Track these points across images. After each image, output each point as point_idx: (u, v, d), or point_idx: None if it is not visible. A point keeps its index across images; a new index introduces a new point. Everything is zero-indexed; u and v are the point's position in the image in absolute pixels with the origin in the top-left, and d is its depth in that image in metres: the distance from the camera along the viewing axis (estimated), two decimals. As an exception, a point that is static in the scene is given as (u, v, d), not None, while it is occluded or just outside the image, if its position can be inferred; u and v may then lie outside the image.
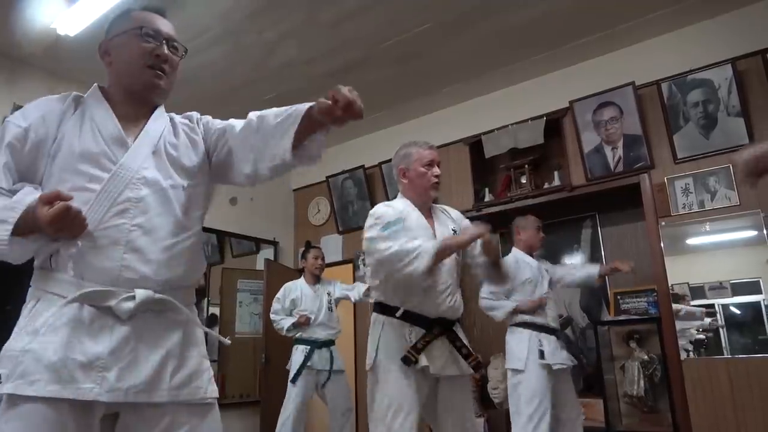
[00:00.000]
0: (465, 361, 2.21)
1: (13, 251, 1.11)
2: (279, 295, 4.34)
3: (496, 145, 4.57)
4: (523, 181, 4.46)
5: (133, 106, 1.35)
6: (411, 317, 2.18)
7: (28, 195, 1.13)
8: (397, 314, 2.19)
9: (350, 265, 5.40)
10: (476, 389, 4.26)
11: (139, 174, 1.24)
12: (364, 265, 5.21)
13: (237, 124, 1.42)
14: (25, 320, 1.15)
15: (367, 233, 2.22)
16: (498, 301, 3.44)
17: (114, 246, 1.17)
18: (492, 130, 4.60)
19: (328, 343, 4.24)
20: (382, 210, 2.27)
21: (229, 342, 1.40)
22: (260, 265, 5.43)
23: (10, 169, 1.20)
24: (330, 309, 4.33)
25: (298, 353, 4.13)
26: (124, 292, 1.16)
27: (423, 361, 2.10)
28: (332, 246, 5.49)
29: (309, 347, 4.14)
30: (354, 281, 5.30)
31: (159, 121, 1.37)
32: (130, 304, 1.15)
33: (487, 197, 4.67)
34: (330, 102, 1.19)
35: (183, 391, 1.21)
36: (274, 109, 1.34)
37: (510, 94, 4.69)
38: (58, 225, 1.06)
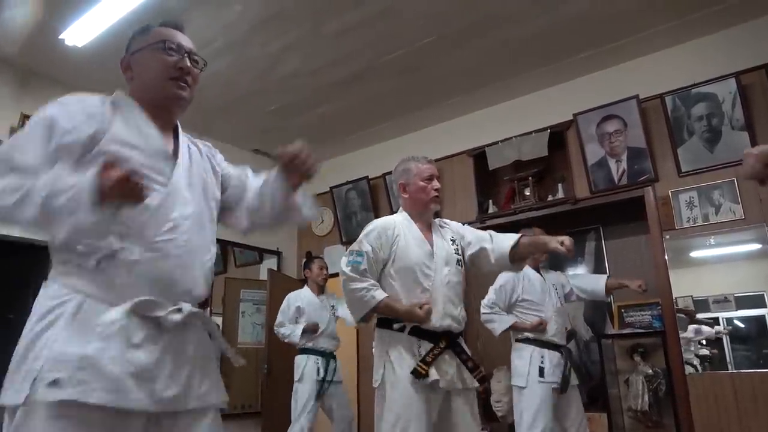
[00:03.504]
0: (470, 374, 2.20)
1: (93, 222, 1.09)
2: (283, 307, 4.32)
3: (500, 157, 4.57)
4: (527, 193, 4.46)
5: (154, 119, 1.37)
6: (418, 331, 2.18)
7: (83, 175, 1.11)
8: (406, 331, 2.19)
9: (353, 276, 5.38)
10: (479, 402, 4.23)
11: (183, 193, 1.31)
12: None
13: (248, 181, 1.55)
14: (73, 321, 1.12)
15: (342, 261, 2.34)
16: (497, 314, 3.42)
17: (166, 259, 1.22)
18: (496, 142, 4.60)
19: (333, 355, 4.23)
20: (367, 230, 2.35)
21: (244, 362, 1.42)
22: (263, 275, 5.44)
23: (54, 155, 1.18)
24: (335, 320, 4.33)
25: (310, 363, 4.09)
26: (172, 305, 1.20)
27: (433, 375, 2.09)
28: (336, 256, 5.48)
29: (320, 358, 4.11)
30: (357, 292, 5.29)
31: (185, 141, 1.43)
32: (178, 316, 1.20)
33: (491, 209, 4.66)
34: (280, 153, 1.38)
35: (209, 397, 1.27)
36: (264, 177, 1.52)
37: (514, 107, 4.71)
38: (124, 189, 1.08)
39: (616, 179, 4.05)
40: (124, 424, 1.12)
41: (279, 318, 4.29)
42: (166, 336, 1.20)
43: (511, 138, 4.51)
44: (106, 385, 1.08)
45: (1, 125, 3.85)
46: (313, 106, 4.76)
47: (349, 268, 2.26)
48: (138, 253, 1.19)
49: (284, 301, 4.35)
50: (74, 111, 1.24)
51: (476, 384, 2.22)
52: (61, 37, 3.63)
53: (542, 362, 3.27)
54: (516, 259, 2.34)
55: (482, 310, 3.46)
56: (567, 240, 2.19)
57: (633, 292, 3.52)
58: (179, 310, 1.21)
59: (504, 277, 3.46)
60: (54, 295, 1.16)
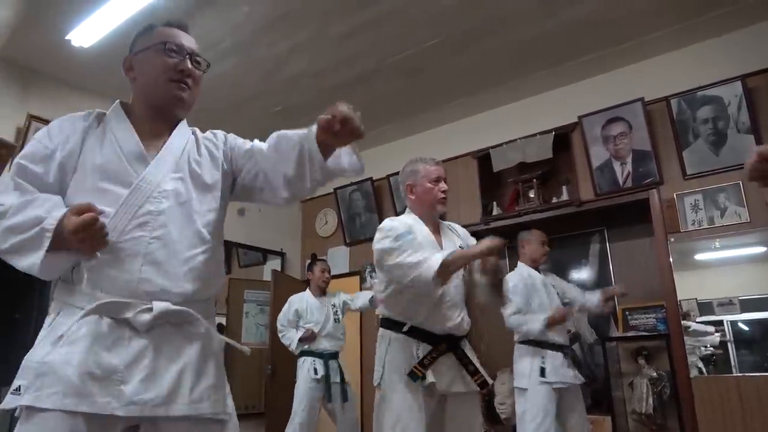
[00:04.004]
0: (471, 378, 2.20)
1: (44, 268, 1.11)
2: (283, 309, 4.36)
3: (505, 159, 4.57)
4: (531, 195, 4.45)
5: (156, 120, 1.37)
6: (418, 333, 2.18)
7: (58, 208, 1.14)
8: (404, 329, 2.19)
9: (357, 277, 5.40)
10: (483, 405, 4.22)
11: (161, 187, 1.26)
12: (371, 277, 5.21)
13: (263, 147, 1.44)
14: (46, 331, 1.15)
15: (378, 245, 2.22)
16: (526, 316, 3.38)
17: (133, 258, 1.18)
18: (500, 144, 4.60)
19: (335, 355, 4.23)
20: (391, 224, 2.28)
21: (249, 351, 1.41)
22: (267, 276, 5.44)
23: (36, 176, 1.22)
24: (336, 320, 4.33)
25: (307, 365, 4.10)
26: (142, 304, 1.16)
27: (430, 377, 2.09)
28: (339, 258, 5.49)
29: (317, 359, 4.12)
30: (361, 293, 5.30)
31: (182, 136, 1.40)
32: (147, 316, 1.15)
33: (495, 211, 4.66)
34: (328, 117, 1.22)
35: (202, 405, 1.20)
36: (288, 133, 1.39)
37: (518, 109, 4.70)
38: (82, 235, 1.06)
39: (620, 182, 4.04)
40: (96, 429, 1.09)
41: (279, 321, 4.34)
42: (145, 337, 1.16)
43: (516, 140, 4.51)
44: (63, 389, 1.06)
45: (7, 126, 3.87)
46: (319, 107, 4.66)
47: (396, 246, 2.14)
48: (96, 257, 1.15)
49: (286, 304, 4.37)
50: (55, 136, 1.28)
51: (476, 388, 2.21)
52: (67, 37, 3.64)
53: (543, 362, 3.26)
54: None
55: (510, 318, 3.38)
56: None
57: (637, 294, 3.52)
58: (149, 310, 1.16)
59: (513, 278, 3.44)
60: (50, 309, 1.20)
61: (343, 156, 1.33)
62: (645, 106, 3.92)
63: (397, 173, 4.93)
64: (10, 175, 1.21)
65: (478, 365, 2.24)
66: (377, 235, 2.27)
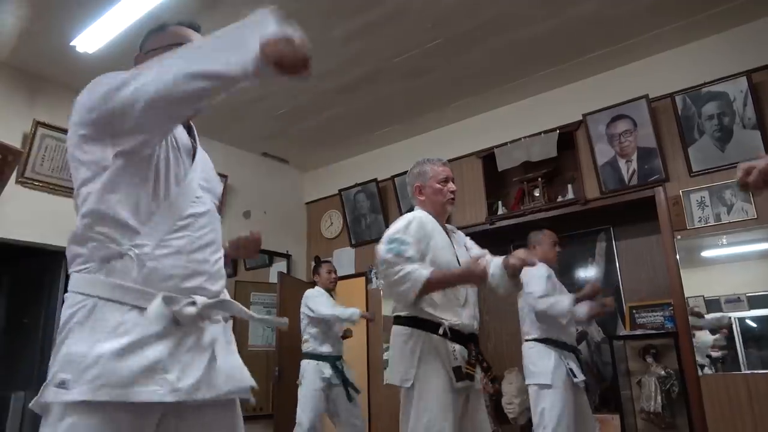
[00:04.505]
0: (483, 375, 2.24)
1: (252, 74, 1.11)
2: (315, 293, 4.28)
3: (509, 158, 4.57)
4: (537, 194, 4.45)
5: None
6: (452, 334, 2.18)
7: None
8: (440, 331, 2.17)
9: (363, 279, 5.41)
10: (490, 404, 4.22)
11: (198, 193, 1.32)
12: (376, 278, 5.22)
13: None
14: (85, 325, 1.14)
15: (381, 251, 2.22)
16: (554, 297, 3.32)
17: (178, 255, 1.23)
18: (505, 143, 4.60)
19: (339, 357, 4.23)
20: (405, 222, 2.28)
21: (286, 322, 1.48)
22: (273, 278, 5.46)
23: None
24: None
25: (311, 369, 4.10)
26: (185, 299, 1.20)
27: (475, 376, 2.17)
28: (345, 259, 5.50)
29: (322, 362, 4.12)
30: (366, 295, 5.31)
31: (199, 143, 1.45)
32: (192, 309, 1.20)
33: (500, 210, 4.66)
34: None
35: (228, 386, 1.26)
36: None
37: (523, 108, 4.70)
38: (291, 53, 1.14)
39: (626, 179, 4.03)
40: (144, 418, 1.13)
41: (318, 302, 4.22)
42: (181, 329, 1.20)
43: (520, 139, 4.51)
44: (111, 381, 1.08)
45: (14, 131, 3.90)
46: (322, 110, 4.78)
47: (392, 254, 2.17)
48: (147, 250, 1.19)
49: (311, 292, 4.32)
50: None
51: (488, 385, 2.26)
52: (72, 43, 3.66)
53: (567, 363, 3.25)
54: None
55: (540, 301, 3.30)
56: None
57: (644, 292, 3.50)
58: (193, 303, 1.21)
59: (543, 269, 3.36)
60: (71, 304, 1.18)
61: None
62: (650, 104, 3.91)
63: (401, 174, 4.96)
64: None
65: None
66: (390, 231, 2.27)
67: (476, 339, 2.28)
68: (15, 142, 3.87)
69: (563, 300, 3.30)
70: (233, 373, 1.29)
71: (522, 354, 3.43)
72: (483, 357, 2.26)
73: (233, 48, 1.14)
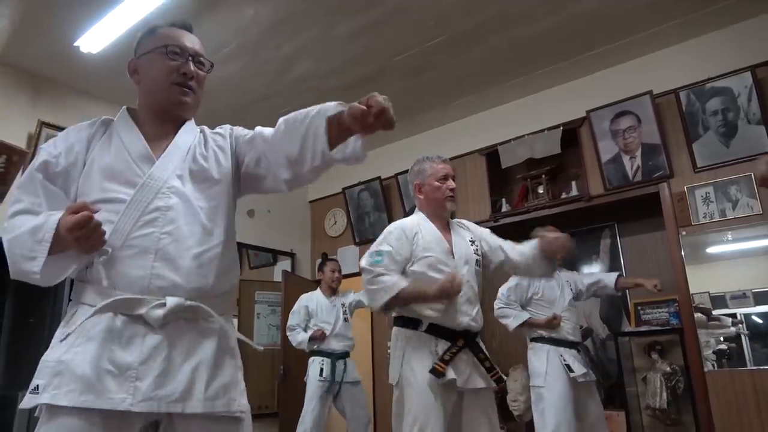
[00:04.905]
0: (487, 374, 2.21)
1: (44, 275, 1.13)
2: (294, 308, 4.36)
3: (513, 156, 4.56)
4: (540, 191, 4.44)
5: (162, 122, 1.37)
6: (436, 330, 2.19)
7: (55, 213, 1.15)
8: (421, 329, 2.19)
9: (367, 277, 5.40)
10: (495, 401, 4.22)
11: (169, 183, 1.26)
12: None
13: (265, 130, 1.39)
14: (61, 330, 1.16)
15: (364, 259, 2.30)
16: (513, 309, 3.43)
17: (144, 254, 1.18)
18: (508, 141, 4.59)
19: (344, 355, 4.24)
20: (386, 231, 2.35)
21: (262, 349, 1.41)
22: (278, 277, 5.46)
23: (45, 186, 1.24)
24: (346, 320, 4.33)
25: (315, 365, 4.12)
26: (155, 300, 1.16)
27: (450, 373, 2.09)
28: (349, 257, 5.50)
29: (326, 359, 4.13)
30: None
31: (188, 134, 1.39)
32: (160, 312, 1.15)
33: (504, 207, 4.65)
34: (364, 107, 1.17)
35: (217, 402, 1.19)
36: (301, 111, 1.29)
37: (526, 105, 4.69)
38: (78, 233, 1.07)
39: (630, 176, 4.01)
40: (118, 428, 1.10)
41: (290, 320, 4.32)
42: (159, 333, 1.16)
43: (524, 136, 4.50)
44: (79, 386, 1.07)
45: (19, 132, 3.91)
46: (325, 108, 4.76)
47: (369, 265, 2.26)
48: (115, 253, 1.17)
49: (296, 303, 4.38)
50: (59, 143, 1.30)
51: (493, 384, 2.22)
52: (75, 44, 3.67)
53: (564, 359, 3.26)
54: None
55: (497, 305, 3.47)
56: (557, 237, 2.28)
57: (648, 289, 3.50)
58: (162, 305, 1.16)
59: (515, 278, 3.46)
60: (67, 311, 1.22)
61: (349, 144, 1.26)
62: (653, 100, 3.89)
63: (405, 172, 4.93)
64: (22, 187, 1.26)
65: (492, 362, 2.25)
66: (379, 240, 2.35)
67: (473, 337, 2.25)
68: (20, 142, 3.89)
69: (517, 319, 3.42)
70: (227, 389, 1.22)
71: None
72: (486, 356, 2.24)
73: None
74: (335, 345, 4.20)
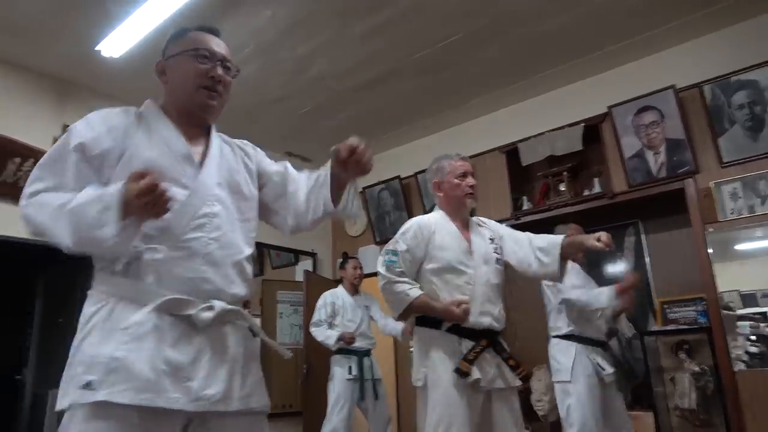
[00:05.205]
0: (511, 373, 2.18)
1: (118, 241, 1.11)
2: (318, 304, 4.33)
3: (533, 153, 4.51)
4: (562, 188, 4.39)
5: (188, 124, 1.39)
6: (458, 330, 2.16)
7: (111, 186, 1.14)
8: (444, 328, 2.17)
9: (388, 276, 5.40)
10: (519, 401, 4.18)
11: (213, 191, 1.30)
12: (401, 276, 5.21)
13: (295, 174, 1.53)
14: (105, 325, 1.15)
15: (380, 257, 2.32)
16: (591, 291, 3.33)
17: (194, 257, 1.22)
18: (528, 138, 4.54)
19: (368, 353, 4.24)
20: (403, 228, 2.34)
21: (291, 355, 1.44)
22: (299, 277, 5.49)
23: (78, 167, 1.22)
24: (368, 320, 4.34)
25: (342, 364, 4.12)
26: (202, 303, 1.19)
27: (475, 373, 2.07)
28: (370, 257, 5.49)
29: (352, 357, 4.13)
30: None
31: (217, 140, 1.43)
32: (209, 314, 1.19)
33: (525, 205, 4.60)
34: (338, 148, 1.35)
35: (251, 400, 1.25)
36: (311, 174, 1.49)
37: (546, 101, 4.63)
38: (147, 199, 1.08)
39: (654, 172, 3.94)
40: (162, 423, 1.12)
41: (315, 317, 4.29)
42: (202, 335, 1.20)
43: (544, 133, 4.45)
44: (137, 385, 1.09)
45: (44, 136, 3.98)
46: (343, 108, 4.79)
47: (384, 268, 2.27)
48: (164, 253, 1.19)
49: (320, 299, 4.37)
50: (96, 126, 1.28)
51: (518, 383, 2.19)
52: (97, 48, 3.73)
53: (593, 358, 3.21)
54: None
55: (567, 292, 3.31)
56: (604, 235, 2.15)
57: (675, 286, 3.42)
58: (210, 308, 1.20)
59: (571, 263, 3.37)
60: (92, 302, 1.20)
61: (348, 202, 1.45)
62: (677, 94, 3.82)
63: (424, 171, 4.92)
64: (47, 167, 1.24)
65: (515, 359, 2.23)
66: (396, 236, 2.34)
67: (495, 336, 2.23)
68: (45, 145, 3.96)
69: (599, 297, 3.29)
70: (256, 387, 1.28)
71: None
72: (509, 354, 2.22)
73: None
74: (360, 343, 4.20)
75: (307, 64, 4.11)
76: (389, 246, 2.31)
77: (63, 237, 1.13)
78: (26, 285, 4.75)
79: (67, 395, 1.10)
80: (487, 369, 2.13)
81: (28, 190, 1.21)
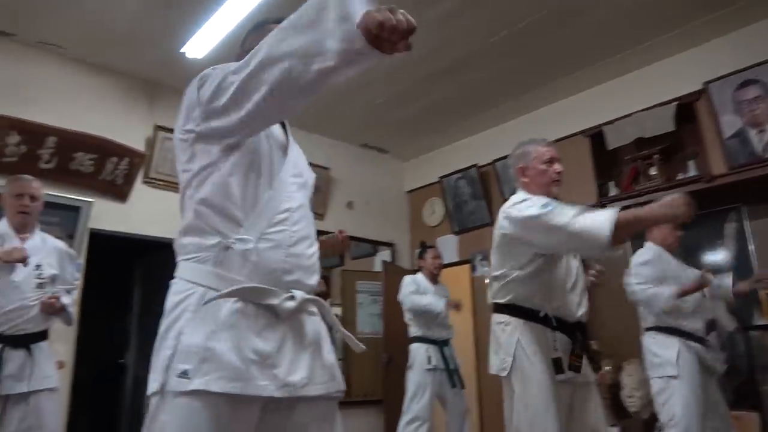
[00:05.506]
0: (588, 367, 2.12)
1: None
2: (406, 281, 4.28)
3: (620, 136, 4.27)
4: (653, 172, 4.13)
5: None
6: (552, 321, 2.09)
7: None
8: (537, 319, 2.09)
9: (467, 266, 5.34)
10: (608, 397, 4.00)
11: (292, 187, 1.34)
12: (481, 266, 5.12)
13: None
14: (195, 315, 1.18)
15: (523, 212, 2.05)
16: (655, 288, 3.10)
17: (278, 249, 1.25)
18: (614, 120, 4.31)
19: (447, 342, 4.21)
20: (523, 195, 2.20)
21: (364, 348, 1.45)
22: (378, 267, 5.53)
23: None
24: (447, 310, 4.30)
25: (422, 354, 4.10)
26: (284, 293, 1.23)
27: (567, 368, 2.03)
28: (448, 247, 5.45)
29: (431, 346, 4.11)
30: (471, 283, 5.26)
31: (291, 136, 1.46)
32: (292, 304, 1.23)
33: (613, 191, 4.37)
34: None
35: (330, 385, 1.28)
36: None
37: (633, 80, 4.37)
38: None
39: (758, 151, 3.62)
40: (246, 409, 1.16)
41: (404, 290, 4.23)
42: (284, 323, 1.23)
43: (632, 114, 4.20)
44: (228, 373, 1.12)
45: (137, 137, 4.24)
46: (418, 98, 4.74)
47: (541, 209, 1.99)
48: (251, 244, 1.22)
49: (404, 279, 4.34)
50: None
51: (593, 377, 2.13)
52: (182, 50, 3.91)
53: (695, 351, 3.01)
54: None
55: (636, 288, 3.13)
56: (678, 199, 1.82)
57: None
58: (292, 298, 1.23)
59: (645, 254, 3.20)
60: (178, 290, 1.23)
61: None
62: (786, 65, 3.47)
63: (502, 158, 4.80)
64: None
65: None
66: (517, 203, 2.12)
67: (583, 327, 2.14)
68: (138, 146, 4.22)
69: (661, 297, 3.03)
70: (333, 371, 1.31)
71: (642, 344, 3.20)
72: (588, 347, 2.14)
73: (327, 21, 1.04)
74: (439, 332, 4.18)
75: (381, 55, 4.10)
76: (529, 198, 2.10)
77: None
78: (126, 275, 5.09)
79: (158, 381, 1.15)
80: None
81: None
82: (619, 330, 4.14)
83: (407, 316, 4.25)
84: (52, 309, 2.52)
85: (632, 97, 4.27)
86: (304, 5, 1.06)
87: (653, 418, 3.15)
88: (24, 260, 2.44)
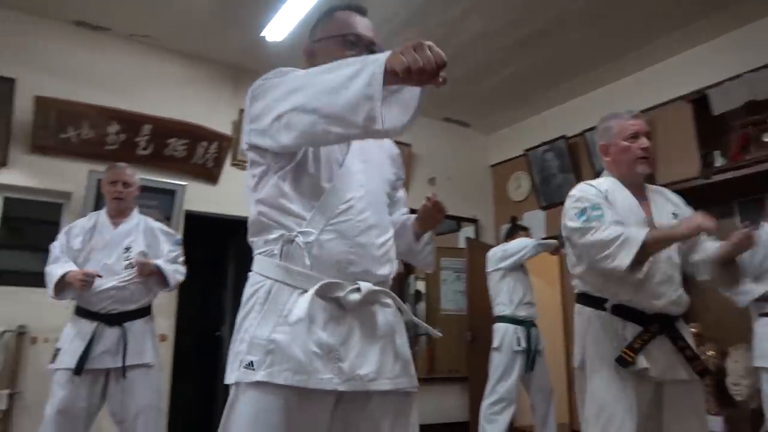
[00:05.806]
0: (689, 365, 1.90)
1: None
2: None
3: (727, 100, 3.89)
4: (766, 139, 3.73)
5: None
6: (624, 311, 1.94)
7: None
8: (607, 305, 1.96)
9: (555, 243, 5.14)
10: (713, 386, 3.73)
11: (358, 176, 1.31)
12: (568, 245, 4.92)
13: (400, 204, 1.56)
14: (264, 307, 1.21)
15: (565, 219, 2.03)
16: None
17: (342, 240, 1.24)
18: (721, 82, 3.92)
19: (534, 323, 4.08)
20: (582, 193, 2.04)
21: (440, 335, 1.43)
22: (462, 244, 5.47)
23: None
24: (532, 290, 4.17)
25: (510, 334, 3.99)
26: (350, 285, 1.22)
27: (642, 362, 1.84)
28: (535, 223, 5.26)
29: (518, 327, 4.00)
30: (560, 260, 5.06)
31: None
32: (357, 296, 1.21)
33: (718, 162, 4.00)
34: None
35: (401, 380, 1.26)
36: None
37: (741, 36, 3.97)
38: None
39: None
40: (316, 403, 1.16)
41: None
42: (351, 315, 1.22)
43: (742, 75, 3.80)
44: (292, 366, 1.13)
45: (224, 121, 4.41)
46: (500, 68, 4.56)
47: (583, 221, 1.95)
48: (313, 236, 1.21)
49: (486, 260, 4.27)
50: None
51: (696, 377, 1.90)
52: (262, 34, 3.98)
53: None
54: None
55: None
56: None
57: None
58: (358, 290, 1.21)
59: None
60: (252, 283, 1.27)
61: (424, 251, 1.57)
62: None
63: (592, 129, 4.53)
64: None
65: (695, 350, 1.94)
66: (566, 204, 2.05)
67: (671, 321, 1.93)
68: (225, 129, 4.38)
69: (749, 293, 2.68)
70: (407, 366, 1.28)
71: (753, 329, 2.92)
72: (686, 344, 1.92)
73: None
74: (525, 312, 4.06)
75: (460, 27, 3.97)
76: (578, 205, 2.00)
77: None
78: (221, 252, 5.36)
79: (233, 371, 1.19)
80: (659, 358, 1.87)
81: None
82: (724, 313, 3.83)
83: (499, 294, 4.12)
84: (147, 268, 2.67)
85: (741, 55, 3.88)
86: (341, 63, 1.11)
87: (762, 409, 2.89)
88: (91, 277, 2.56)
